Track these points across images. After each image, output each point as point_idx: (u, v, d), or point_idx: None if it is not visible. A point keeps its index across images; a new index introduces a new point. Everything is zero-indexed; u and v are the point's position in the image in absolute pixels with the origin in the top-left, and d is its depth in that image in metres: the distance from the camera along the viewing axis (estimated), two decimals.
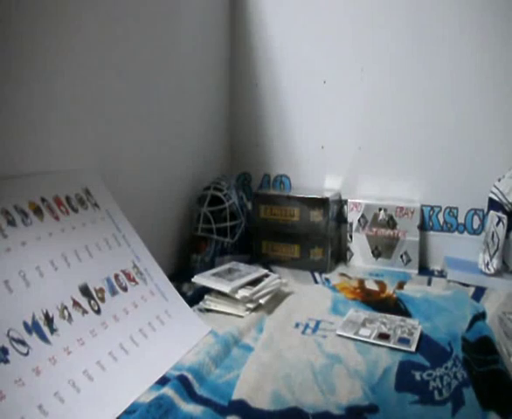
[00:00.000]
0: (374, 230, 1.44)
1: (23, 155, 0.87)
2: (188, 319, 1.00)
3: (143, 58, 1.18)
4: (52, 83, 0.92)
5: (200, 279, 1.12)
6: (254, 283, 1.11)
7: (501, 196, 1.25)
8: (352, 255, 1.47)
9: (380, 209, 1.43)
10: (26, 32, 0.85)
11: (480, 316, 1.03)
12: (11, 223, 0.79)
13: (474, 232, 1.41)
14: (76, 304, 0.81)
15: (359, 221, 1.45)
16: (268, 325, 1.01)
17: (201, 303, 1.10)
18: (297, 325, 1.03)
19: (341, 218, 1.52)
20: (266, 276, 1.17)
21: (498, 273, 1.26)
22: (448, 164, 1.41)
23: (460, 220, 1.42)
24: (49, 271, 0.80)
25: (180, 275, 1.25)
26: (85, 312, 0.81)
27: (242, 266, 1.22)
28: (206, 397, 0.76)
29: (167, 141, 1.31)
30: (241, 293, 1.06)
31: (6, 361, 0.65)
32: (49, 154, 0.94)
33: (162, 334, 0.91)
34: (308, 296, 1.18)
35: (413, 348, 0.90)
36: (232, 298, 1.07)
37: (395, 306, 1.13)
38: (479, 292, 1.21)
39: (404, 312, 1.09)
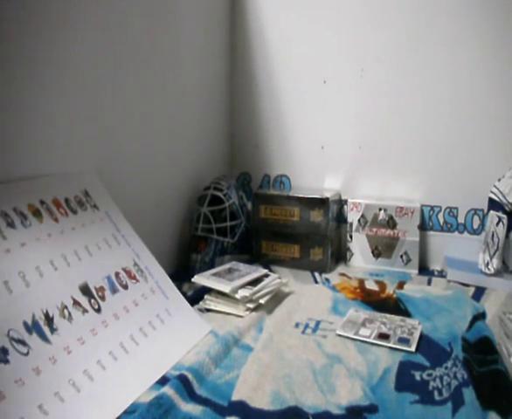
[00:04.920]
0: (374, 230, 1.44)
1: (21, 158, 0.87)
2: (188, 317, 1.00)
3: (142, 59, 1.18)
4: (50, 85, 0.92)
5: (200, 279, 1.12)
6: (254, 283, 1.11)
7: (501, 196, 1.25)
8: (352, 255, 1.47)
9: (380, 209, 1.43)
10: (23, 33, 0.85)
11: (480, 316, 1.03)
12: (11, 225, 0.79)
13: (474, 232, 1.41)
14: (76, 303, 0.81)
15: (359, 221, 1.45)
16: (268, 325, 1.01)
17: (201, 303, 1.10)
18: (297, 325, 1.03)
19: (341, 218, 1.52)
20: (266, 276, 1.17)
21: (498, 273, 1.26)
22: (448, 164, 1.41)
23: (460, 220, 1.42)
24: (49, 271, 0.80)
25: (180, 275, 1.25)
26: (85, 311, 0.81)
27: (242, 266, 1.22)
28: (206, 397, 0.76)
29: (167, 142, 1.31)
30: (241, 293, 1.06)
31: (6, 361, 0.65)
32: (47, 156, 0.93)
33: (163, 333, 0.91)
34: (308, 296, 1.18)
35: (413, 348, 0.90)
36: (232, 298, 1.07)
37: (395, 306, 1.13)
38: (479, 292, 1.21)
39: (404, 312, 1.09)
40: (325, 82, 1.52)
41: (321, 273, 1.38)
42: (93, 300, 0.84)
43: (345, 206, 1.52)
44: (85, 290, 0.84)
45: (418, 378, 0.82)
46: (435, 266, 1.45)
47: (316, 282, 1.33)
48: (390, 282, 1.29)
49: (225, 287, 1.06)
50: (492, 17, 1.32)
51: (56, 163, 0.95)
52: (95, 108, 1.04)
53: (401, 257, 1.41)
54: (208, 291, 1.11)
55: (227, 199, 1.36)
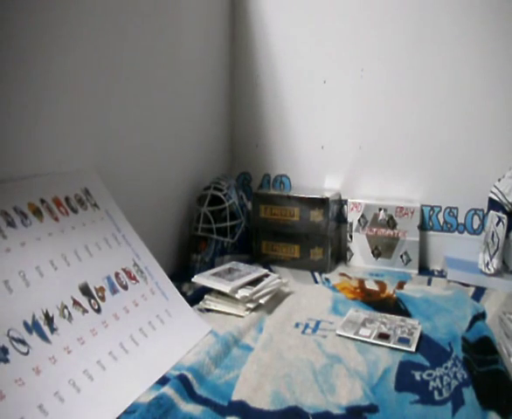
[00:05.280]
0: (374, 230, 1.44)
1: (21, 157, 0.87)
2: (188, 318, 1.00)
3: (143, 58, 1.18)
4: (51, 83, 0.92)
5: (200, 279, 1.12)
6: (254, 283, 1.11)
7: (501, 196, 1.25)
8: (352, 255, 1.47)
9: (380, 209, 1.43)
10: (22, 30, 0.85)
11: (480, 316, 1.04)
12: (11, 224, 0.79)
13: (474, 232, 1.41)
14: (76, 303, 0.81)
15: (359, 221, 1.45)
16: (268, 325, 1.01)
17: (201, 303, 1.10)
18: (297, 325, 1.03)
19: (341, 218, 1.52)
20: (266, 276, 1.17)
21: (498, 273, 1.26)
22: (448, 164, 1.41)
23: (460, 220, 1.42)
24: (49, 271, 0.80)
25: (180, 275, 1.25)
26: (85, 311, 0.81)
27: (242, 266, 1.22)
28: (206, 397, 0.76)
29: (167, 141, 1.31)
30: (241, 293, 1.06)
31: (6, 361, 0.65)
32: (48, 155, 0.93)
33: (163, 334, 0.91)
34: (308, 296, 1.18)
35: (413, 348, 0.90)
36: (232, 298, 1.07)
37: (395, 306, 1.13)
38: (479, 292, 1.21)
39: (404, 312, 1.09)
40: (325, 82, 1.52)
41: (321, 273, 1.38)
42: (93, 300, 0.84)
43: (345, 206, 1.52)
44: (85, 290, 0.84)
45: (418, 378, 0.82)
46: (435, 266, 1.45)
47: (316, 282, 1.33)
48: (390, 282, 1.29)
49: (225, 287, 1.06)
50: (492, 17, 1.32)
51: (56, 162, 0.95)
52: (95, 107, 1.04)
53: (401, 257, 1.41)
54: (208, 291, 1.11)
55: (227, 199, 1.36)
